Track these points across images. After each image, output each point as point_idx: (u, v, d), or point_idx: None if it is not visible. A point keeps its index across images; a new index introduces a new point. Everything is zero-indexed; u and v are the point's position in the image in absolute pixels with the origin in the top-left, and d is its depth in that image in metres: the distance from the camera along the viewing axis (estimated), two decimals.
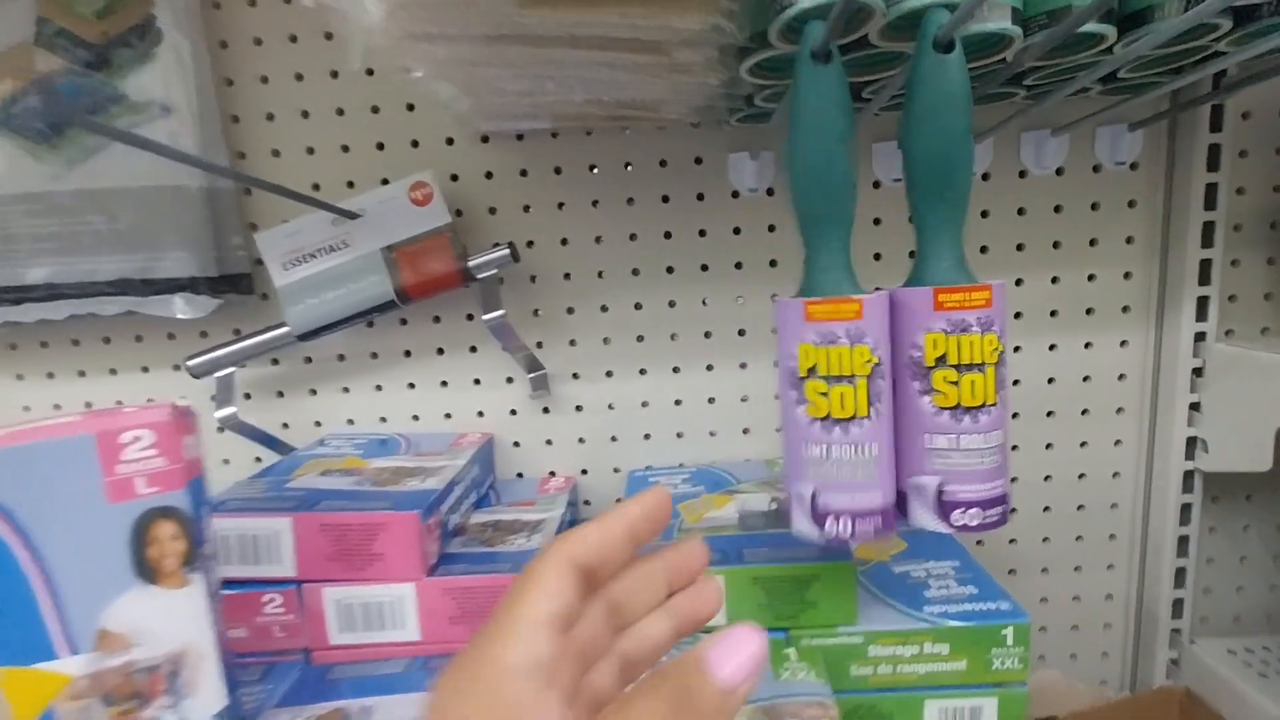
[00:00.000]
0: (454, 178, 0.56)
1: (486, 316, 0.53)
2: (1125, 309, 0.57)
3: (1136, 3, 0.35)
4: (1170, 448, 0.56)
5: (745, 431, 0.60)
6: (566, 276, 0.58)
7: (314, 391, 0.60)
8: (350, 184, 0.56)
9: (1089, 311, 0.57)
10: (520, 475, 0.61)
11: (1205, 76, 0.43)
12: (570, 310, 0.58)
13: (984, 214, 0.56)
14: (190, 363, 0.54)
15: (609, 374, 0.59)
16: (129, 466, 0.31)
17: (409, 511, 0.41)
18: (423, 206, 0.52)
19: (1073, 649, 0.62)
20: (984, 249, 0.56)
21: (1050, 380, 0.58)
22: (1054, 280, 0.57)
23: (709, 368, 0.59)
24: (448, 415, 0.60)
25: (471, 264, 0.53)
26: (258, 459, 0.59)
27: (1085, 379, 0.58)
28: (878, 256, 0.57)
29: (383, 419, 0.60)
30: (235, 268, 0.55)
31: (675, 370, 0.59)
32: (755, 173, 0.55)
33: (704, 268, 0.57)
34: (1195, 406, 0.55)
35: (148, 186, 0.52)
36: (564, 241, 0.57)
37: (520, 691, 0.19)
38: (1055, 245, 0.56)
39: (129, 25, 0.51)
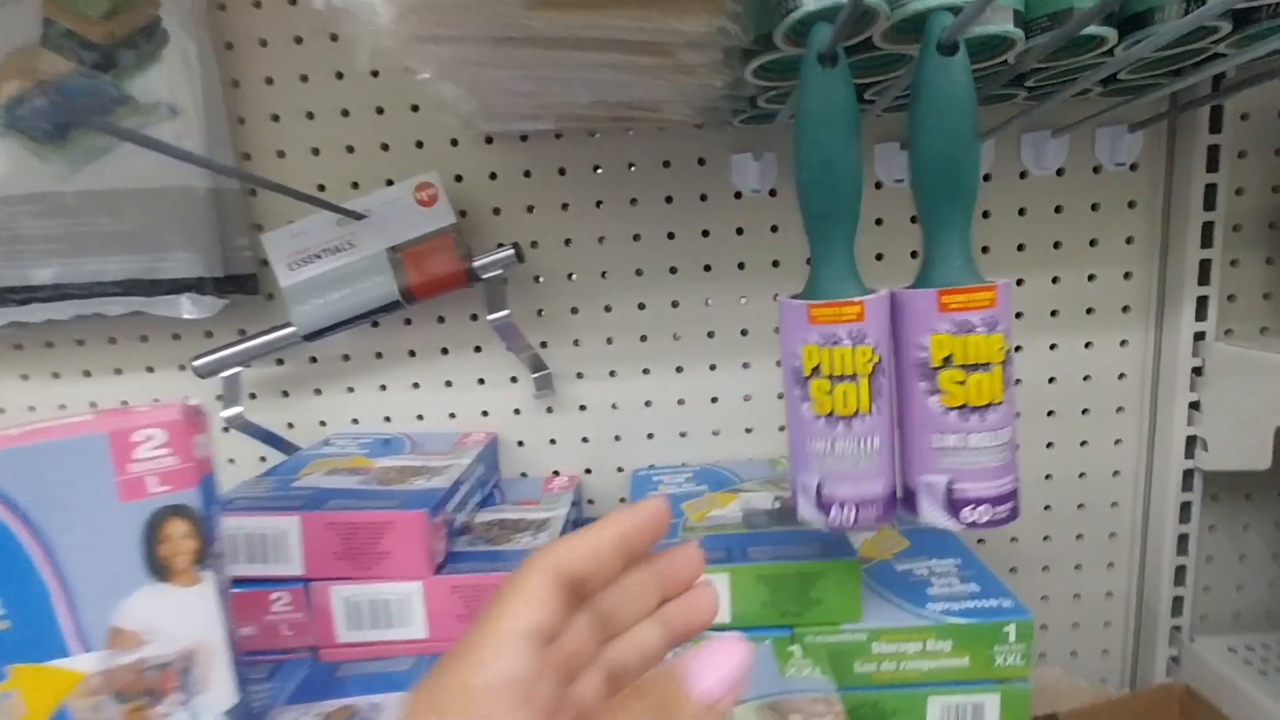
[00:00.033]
0: (458, 178, 0.57)
1: (491, 316, 0.53)
2: (1125, 309, 0.57)
3: (1137, 5, 0.35)
4: (1170, 446, 0.56)
5: (748, 431, 0.60)
6: (570, 277, 0.58)
7: (319, 391, 0.60)
8: (355, 185, 0.57)
9: (1089, 311, 0.57)
10: (524, 475, 0.61)
11: (1205, 78, 0.44)
12: (574, 310, 0.58)
13: (985, 214, 0.56)
14: (196, 363, 0.54)
15: (612, 374, 0.59)
16: (141, 465, 0.31)
17: (416, 510, 0.41)
18: (428, 207, 0.53)
19: (1073, 647, 0.63)
20: (985, 249, 0.56)
21: (1051, 380, 0.58)
22: (1054, 280, 0.57)
23: (712, 367, 0.59)
24: (452, 415, 0.60)
25: (476, 264, 0.53)
26: (263, 458, 0.60)
27: (1085, 378, 0.58)
28: (880, 257, 0.57)
29: (387, 418, 0.60)
30: (241, 268, 0.55)
31: (678, 370, 0.59)
32: (758, 173, 0.55)
33: (707, 268, 0.58)
34: (1195, 405, 0.55)
35: (154, 187, 0.52)
36: (568, 242, 0.58)
37: (492, 710, 0.19)
38: (1056, 245, 0.56)
39: (135, 27, 0.51)
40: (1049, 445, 0.59)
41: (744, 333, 0.59)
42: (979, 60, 0.37)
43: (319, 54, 0.55)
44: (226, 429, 0.55)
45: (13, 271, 0.53)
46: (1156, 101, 0.53)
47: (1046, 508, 0.60)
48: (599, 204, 0.57)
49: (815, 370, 0.33)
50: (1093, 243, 0.56)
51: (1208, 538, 0.60)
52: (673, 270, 0.58)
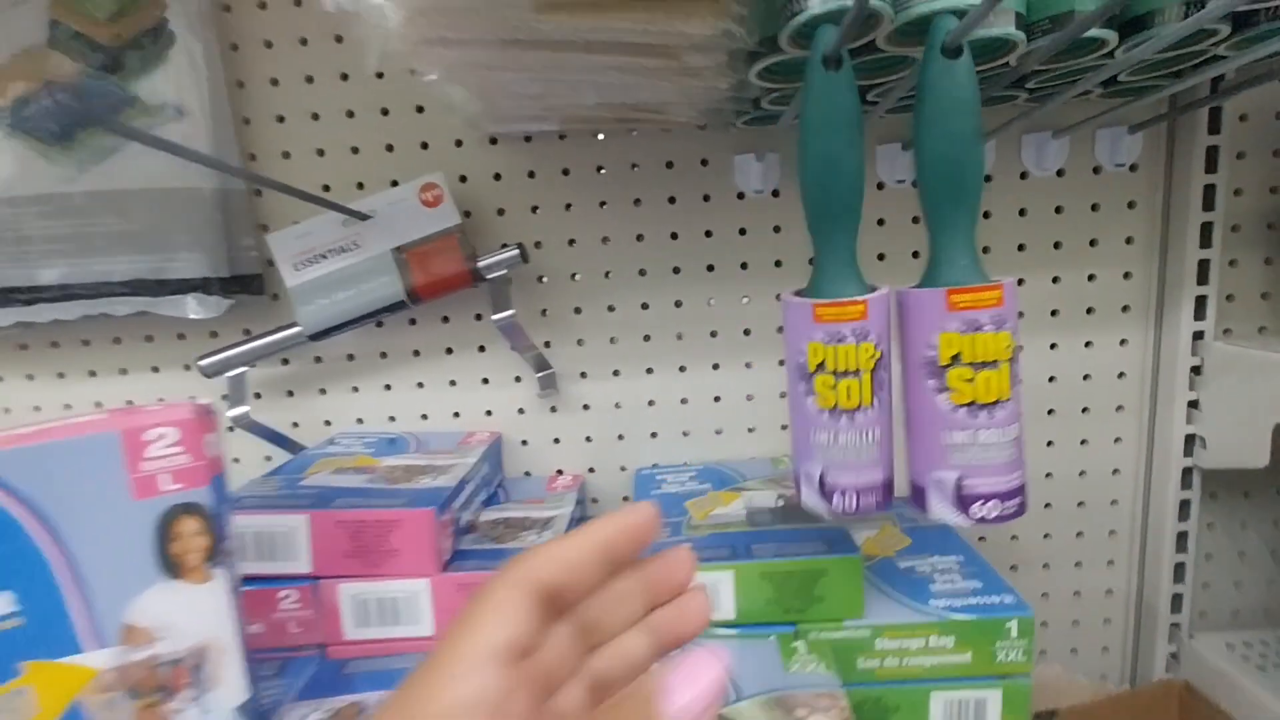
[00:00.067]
0: (463, 179, 0.57)
1: (496, 316, 0.54)
2: (1125, 308, 0.58)
3: (1137, 8, 0.36)
4: (1169, 445, 0.57)
5: (750, 430, 0.60)
6: (574, 277, 0.58)
7: (324, 391, 0.60)
8: (360, 185, 0.57)
9: (1089, 311, 0.58)
10: (528, 474, 0.61)
11: (1203, 80, 0.44)
12: (578, 310, 0.59)
13: (986, 215, 0.57)
14: (202, 362, 0.54)
15: (616, 373, 0.60)
16: (153, 464, 0.31)
17: (424, 508, 0.41)
18: (433, 208, 0.53)
19: (1073, 644, 0.63)
20: (986, 249, 0.57)
21: (1051, 379, 0.59)
22: (1055, 280, 0.57)
23: (715, 367, 0.60)
24: (456, 414, 0.60)
25: (481, 264, 0.53)
26: (268, 458, 0.60)
27: (1086, 377, 0.59)
28: (881, 257, 0.57)
29: (391, 418, 0.61)
30: (247, 268, 0.56)
31: (681, 369, 0.60)
32: (761, 174, 0.56)
33: (710, 268, 0.58)
34: (1194, 404, 0.56)
35: (160, 188, 0.52)
36: (571, 242, 0.58)
37: None
38: (1056, 245, 0.57)
39: (141, 28, 0.52)
40: (1049, 444, 0.60)
41: (746, 332, 0.59)
42: (981, 62, 0.37)
43: (324, 55, 0.55)
44: (232, 428, 0.55)
45: (19, 272, 0.53)
46: (1156, 103, 0.54)
47: (1047, 505, 0.61)
48: (603, 204, 0.57)
49: (820, 366, 0.34)
50: (1093, 243, 0.57)
51: (1206, 535, 0.60)
52: (676, 270, 0.58)
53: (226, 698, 0.33)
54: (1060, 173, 0.56)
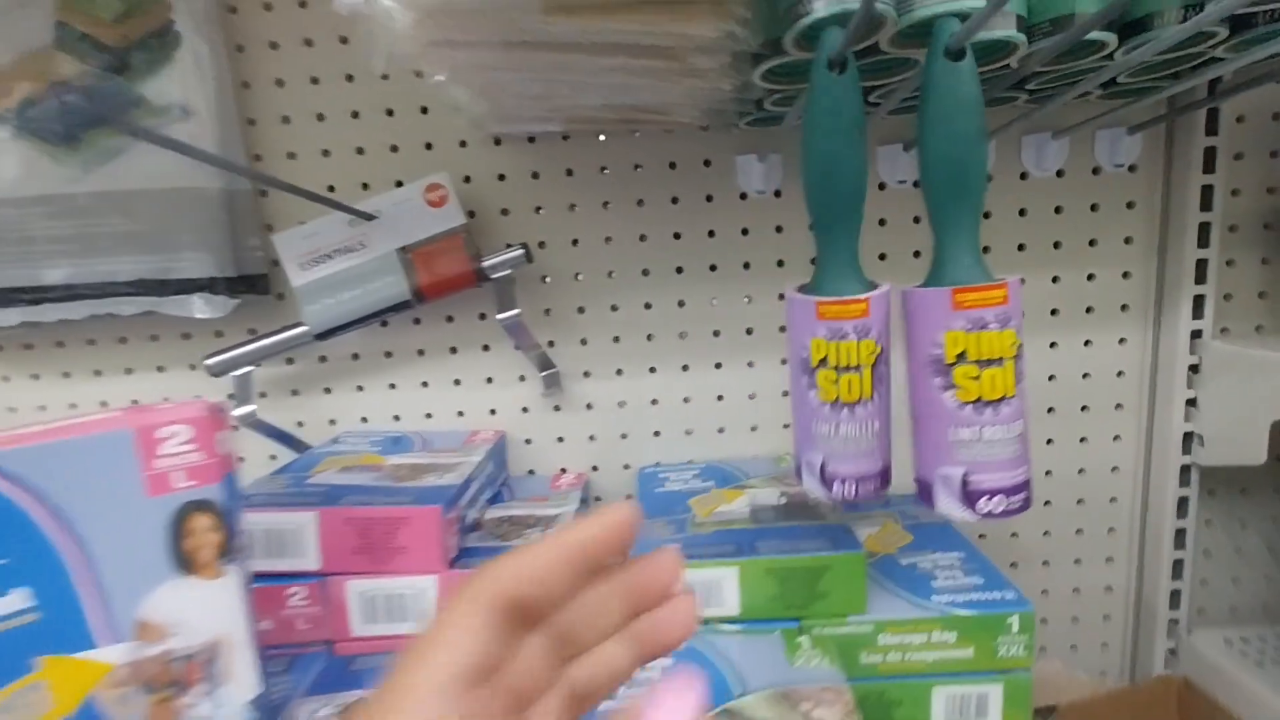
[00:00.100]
0: (467, 179, 0.57)
1: (501, 316, 0.54)
2: (1124, 308, 0.58)
3: (1137, 10, 0.36)
4: (1168, 443, 0.57)
5: (753, 429, 0.61)
6: (577, 276, 0.59)
7: (328, 390, 0.60)
8: (365, 185, 0.57)
9: (1089, 310, 0.58)
10: (532, 472, 0.62)
11: (1201, 82, 0.45)
12: (581, 310, 0.59)
13: (986, 215, 0.57)
14: (209, 361, 0.54)
15: (619, 372, 0.60)
16: (166, 461, 0.32)
17: (431, 506, 0.42)
18: (438, 208, 0.53)
19: (1073, 640, 0.64)
20: (986, 249, 0.57)
21: (1051, 377, 0.59)
22: (1054, 280, 0.58)
23: (717, 366, 0.60)
24: (460, 413, 0.61)
25: (486, 264, 0.54)
26: (273, 456, 0.60)
27: (1085, 376, 0.59)
28: (883, 256, 0.58)
29: (396, 417, 0.61)
30: (252, 268, 0.56)
31: (684, 368, 0.60)
32: (763, 175, 0.56)
33: (712, 268, 0.59)
34: (1192, 402, 0.56)
35: (167, 189, 0.52)
36: (575, 242, 0.58)
37: None
38: (1056, 245, 0.57)
39: (148, 30, 0.52)
40: (1049, 442, 0.60)
41: (749, 331, 0.59)
42: (982, 64, 0.38)
43: (329, 56, 0.56)
44: (237, 427, 0.56)
45: (25, 272, 0.54)
46: (1155, 104, 0.54)
47: (1047, 503, 0.61)
48: (606, 205, 0.58)
49: (822, 361, 0.35)
50: (1092, 243, 0.57)
51: (1205, 532, 0.61)
52: (679, 270, 0.59)
53: (238, 692, 0.33)
54: (1060, 173, 0.57)
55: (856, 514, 0.56)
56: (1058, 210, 0.57)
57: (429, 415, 0.61)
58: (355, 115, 0.56)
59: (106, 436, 0.31)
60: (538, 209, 0.58)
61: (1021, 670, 0.42)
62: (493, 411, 0.61)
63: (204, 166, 0.52)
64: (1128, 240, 0.57)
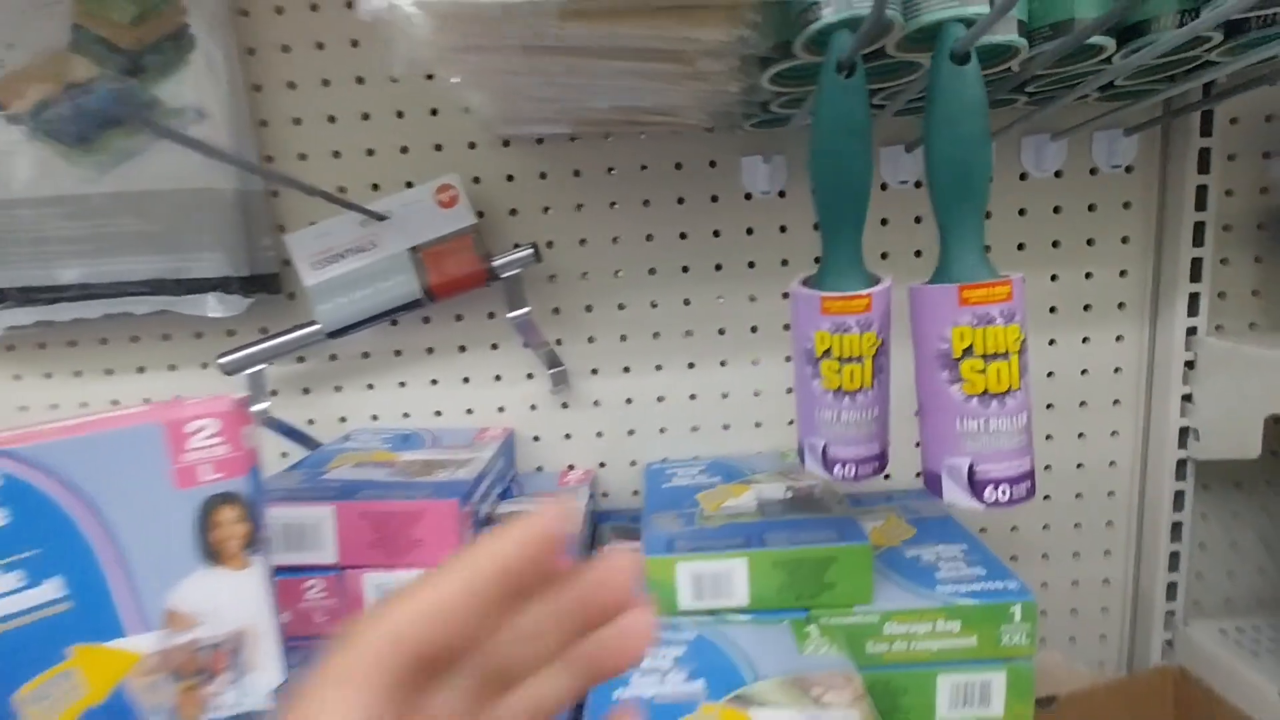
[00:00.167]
0: (476, 180, 0.58)
1: (512, 314, 0.55)
2: (1121, 305, 0.60)
3: (1134, 15, 0.37)
4: (1164, 437, 0.58)
5: (758, 425, 0.62)
6: (585, 276, 0.60)
7: (339, 388, 0.61)
8: (375, 186, 0.58)
9: (1086, 308, 0.60)
10: (540, 469, 0.63)
11: (1196, 85, 0.46)
12: (588, 308, 0.60)
13: (986, 215, 0.58)
14: (222, 360, 0.55)
15: (626, 370, 0.61)
16: (194, 454, 0.33)
17: (447, 499, 0.42)
18: (448, 208, 0.54)
19: (1072, 632, 0.65)
20: (987, 248, 0.58)
21: (1050, 374, 0.61)
22: (1053, 278, 0.59)
23: (722, 363, 0.61)
24: (469, 411, 0.62)
25: (496, 263, 0.54)
26: (284, 454, 0.61)
27: (1083, 372, 0.61)
28: (885, 255, 0.59)
29: (406, 414, 0.62)
30: (265, 268, 0.57)
31: (690, 366, 0.61)
32: (768, 175, 0.57)
33: (718, 267, 0.60)
34: (1187, 398, 0.58)
35: (181, 189, 0.53)
36: (582, 242, 0.59)
37: None
38: (1055, 245, 0.59)
39: (163, 33, 0.53)
40: (1048, 437, 0.61)
41: (754, 330, 0.60)
42: (984, 67, 0.39)
43: (340, 59, 0.56)
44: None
45: (40, 272, 0.54)
46: (1151, 106, 0.55)
47: (1046, 497, 0.62)
48: (613, 205, 0.59)
49: (826, 352, 0.37)
50: (1090, 242, 0.59)
51: (1200, 526, 0.62)
52: (685, 269, 0.60)
53: (263, 680, 0.34)
54: (1059, 174, 0.58)
55: (860, 508, 0.57)
56: (1056, 210, 0.58)
57: (438, 413, 0.62)
58: (366, 117, 0.57)
59: (136, 430, 0.32)
60: (546, 209, 0.59)
61: (1024, 658, 0.43)
62: (501, 409, 0.62)
63: (218, 168, 0.53)
64: (1125, 239, 0.59)
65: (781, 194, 0.58)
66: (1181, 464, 0.59)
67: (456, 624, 0.18)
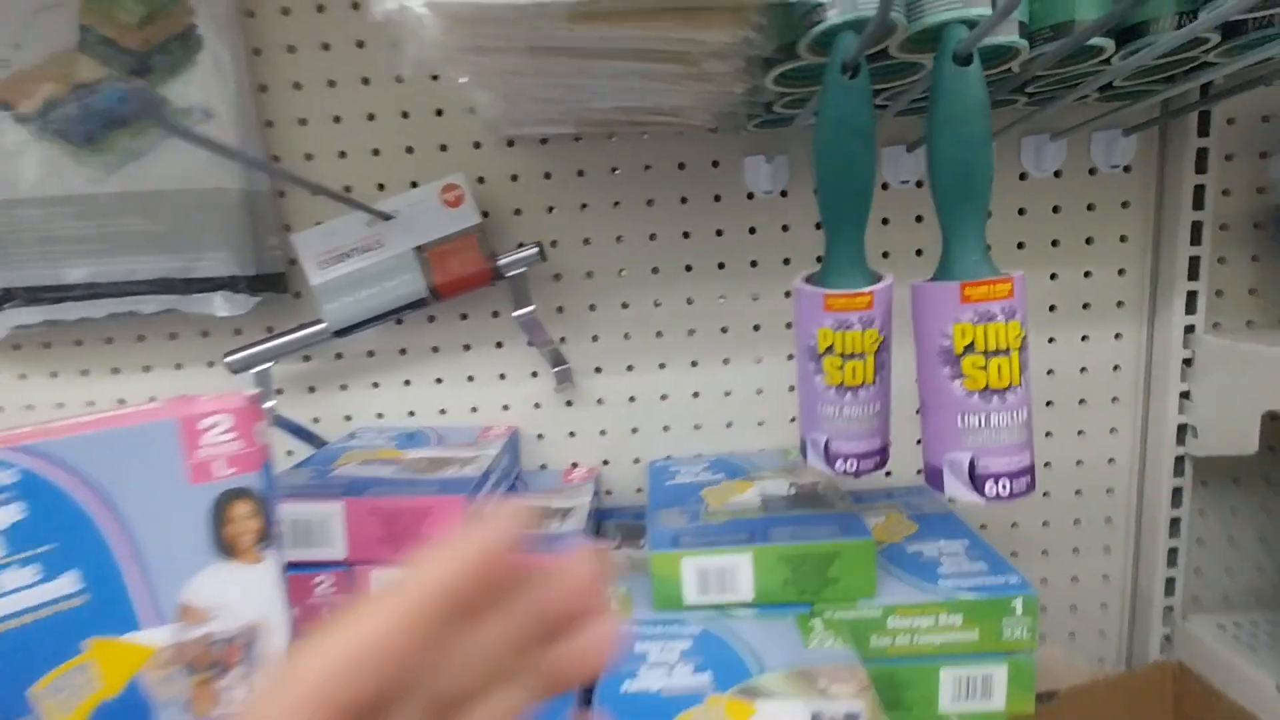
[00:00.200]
0: (481, 180, 0.59)
1: (517, 312, 0.55)
2: (1119, 304, 0.60)
3: (1133, 17, 0.38)
4: (1162, 434, 0.59)
5: (760, 424, 0.62)
6: (589, 275, 0.60)
7: (344, 387, 0.62)
8: (380, 186, 0.59)
9: (1085, 306, 0.60)
10: (544, 466, 0.63)
11: (1194, 86, 0.47)
12: (592, 307, 0.61)
13: (987, 214, 0.59)
14: (229, 359, 0.55)
15: (630, 368, 0.62)
16: (208, 450, 0.33)
17: (455, 495, 0.43)
18: (454, 208, 0.55)
19: (1071, 628, 0.65)
20: (987, 247, 0.59)
21: (1049, 372, 0.61)
22: (1053, 277, 0.60)
23: (725, 362, 0.61)
24: (474, 409, 0.62)
25: (502, 262, 0.55)
26: (289, 452, 0.61)
27: (1082, 370, 0.61)
28: (886, 254, 0.59)
29: (411, 413, 0.62)
30: (272, 267, 0.57)
31: (693, 364, 0.61)
32: (770, 175, 0.58)
33: (721, 266, 0.60)
34: (1185, 395, 0.58)
35: (188, 189, 0.54)
36: (586, 241, 0.60)
37: None
38: (1054, 244, 0.59)
39: (170, 33, 0.53)
40: (1048, 434, 0.62)
41: (756, 328, 0.61)
42: (985, 68, 0.39)
43: (346, 60, 0.57)
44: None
45: (47, 271, 0.55)
46: (1149, 107, 0.56)
47: (1046, 494, 0.63)
48: (616, 204, 0.59)
49: (829, 349, 0.37)
50: (1089, 241, 0.59)
51: (1198, 522, 0.62)
52: (688, 268, 0.60)
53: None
54: (1058, 174, 0.58)
55: (862, 505, 0.57)
56: (1056, 210, 0.59)
57: (443, 411, 0.62)
58: (371, 118, 0.58)
59: (151, 426, 0.32)
60: (550, 209, 0.59)
61: (1025, 652, 0.43)
62: (506, 407, 0.62)
63: (224, 168, 0.53)
64: (1123, 239, 0.59)
65: (784, 193, 0.59)
66: (1180, 460, 0.59)
67: (393, 666, 0.16)
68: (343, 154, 0.58)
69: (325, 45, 0.57)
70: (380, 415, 0.62)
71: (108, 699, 0.32)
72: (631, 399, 0.62)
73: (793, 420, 0.62)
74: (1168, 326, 0.58)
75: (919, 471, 0.61)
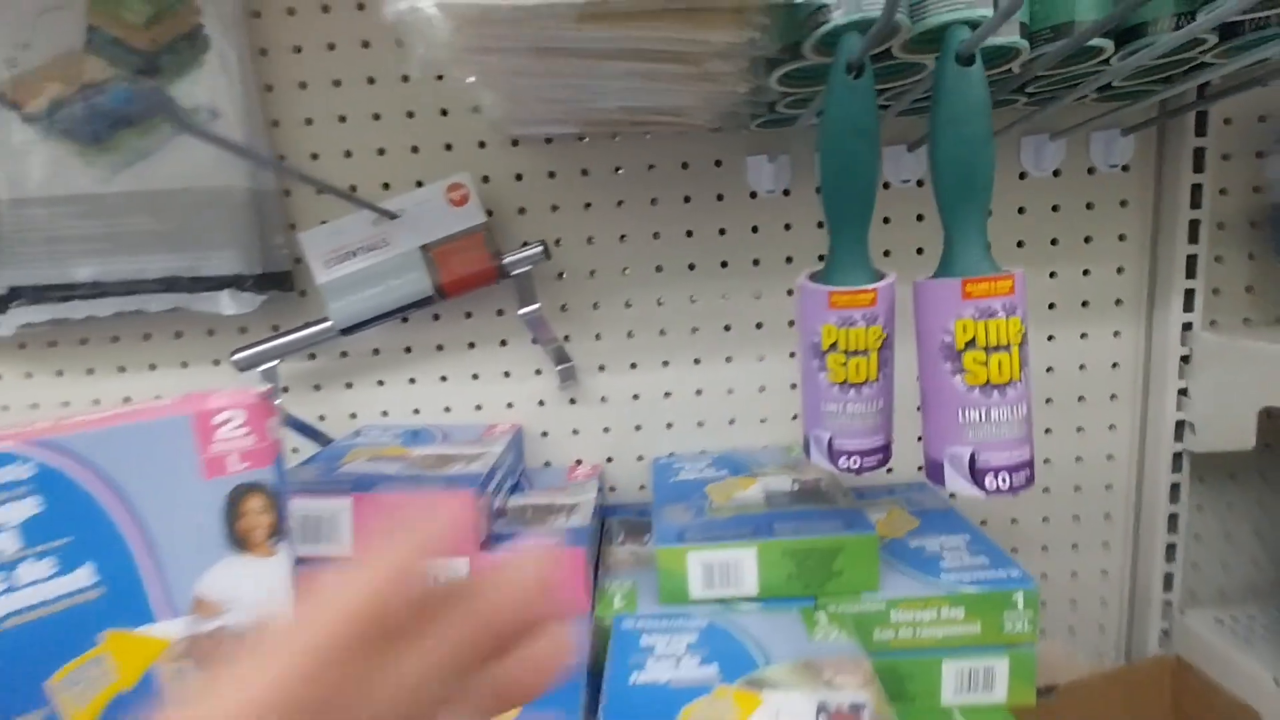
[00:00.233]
0: (485, 179, 0.59)
1: (523, 310, 0.56)
2: (1118, 302, 0.61)
3: (1132, 18, 0.39)
4: (1160, 431, 0.60)
5: (763, 421, 0.63)
6: (592, 273, 0.61)
7: (349, 385, 0.62)
8: (386, 186, 0.59)
9: (1084, 304, 0.61)
10: (548, 464, 0.63)
11: (1191, 86, 0.47)
12: (596, 305, 0.61)
13: (988, 212, 0.59)
14: (236, 357, 0.56)
15: (633, 366, 0.62)
16: (222, 445, 0.33)
17: (464, 490, 0.43)
18: (459, 207, 0.55)
19: (1071, 623, 0.66)
20: (988, 245, 0.60)
21: (1049, 369, 0.62)
22: (1052, 275, 0.60)
23: (728, 359, 0.62)
24: (478, 407, 0.62)
25: (507, 261, 0.55)
26: (294, 450, 0.62)
27: (1081, 368, 0.62)
28: (887, 253, 0.60)
29: (415, 411, 0.63)
30: (278, 266, 0.57)
31: (696, 362, 0.62)
32: (772, 174, 0.58)
33: (723, 265, 0.61)
34: (1183, 392, 0.59)
35: (196, 188, 0.54)
36: (590, 240, 0.60)
37: None
38: (1053, 242, 0.60)
39: (177, 33, 0.53)
40: (1047, 431, 0.63)
41: (759, 326, 0.61)
42: (986, 68, 0.40)
43: (351, 60, 0.57)
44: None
45: (54, 270, 0.55)
46: (1147, 107, 0.56)
47: (1045, 490, 0.64)
48: (620, 204, 0.60)
49: (833, 346, 0.38)
50: (1087, 240, 0.60)
51: (1196, 517, 0.63)
52: (691, 267, 0.61)
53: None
54: (1057, 173, 0.59)
55: (864, 501, 0.58)
56: (1055, 209, 0.59)
57: (448, 409, 0.62)
58: (376, 117, 0.58)
59: (166, 422, 0.33)
60: (554, 208, 0.60)
61: (1026, 644, 0.44)
62: (510, 405, 0.63)
63: (231, 167, 0.54)
64: (1121, 237, 0.60)
65: (786, 193, 0.59)
66: (1177, 457, 0.60)
67: (308, 712, 0.15)
68: (348, 153, 0.59)
69: (330, 45, 0.57)
70: (385, 413, 0.62)
71: (123, 691, 0.32)
72: (635, 397, 0.62)
73: (795, 417, 0.63)
74: (1165, 324, 0.59)
75: (920, 468, 0.62)
